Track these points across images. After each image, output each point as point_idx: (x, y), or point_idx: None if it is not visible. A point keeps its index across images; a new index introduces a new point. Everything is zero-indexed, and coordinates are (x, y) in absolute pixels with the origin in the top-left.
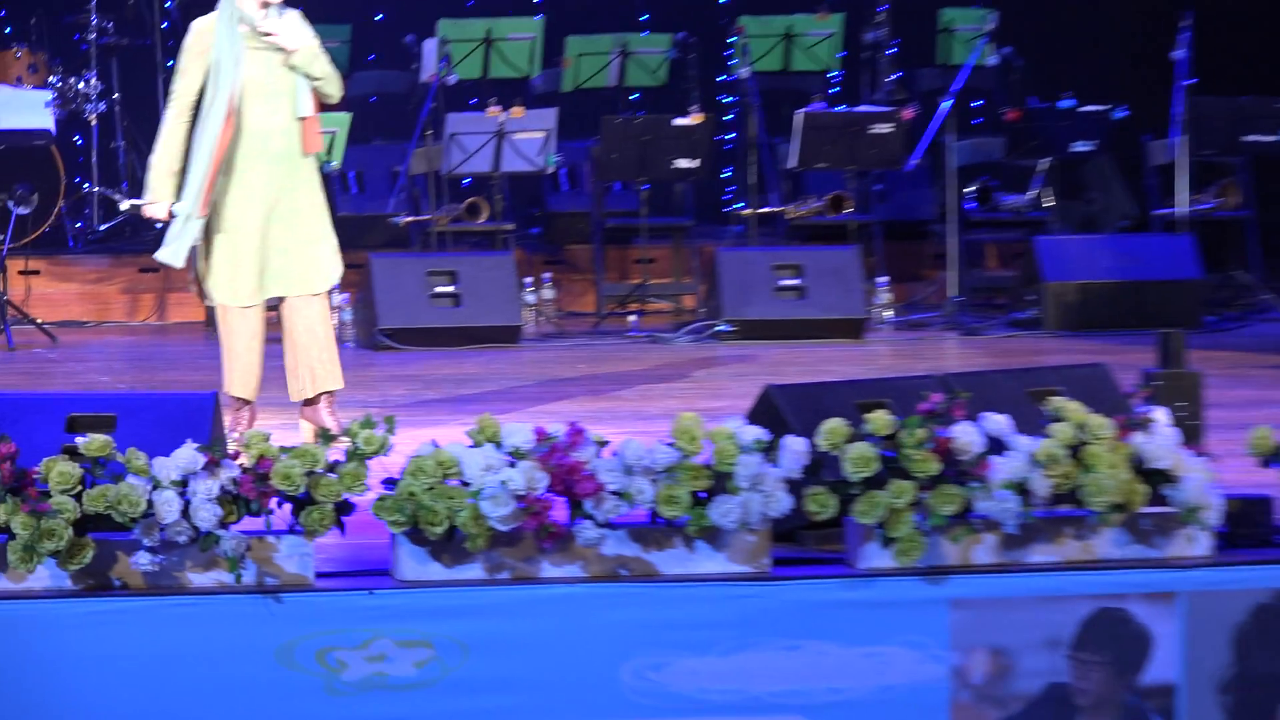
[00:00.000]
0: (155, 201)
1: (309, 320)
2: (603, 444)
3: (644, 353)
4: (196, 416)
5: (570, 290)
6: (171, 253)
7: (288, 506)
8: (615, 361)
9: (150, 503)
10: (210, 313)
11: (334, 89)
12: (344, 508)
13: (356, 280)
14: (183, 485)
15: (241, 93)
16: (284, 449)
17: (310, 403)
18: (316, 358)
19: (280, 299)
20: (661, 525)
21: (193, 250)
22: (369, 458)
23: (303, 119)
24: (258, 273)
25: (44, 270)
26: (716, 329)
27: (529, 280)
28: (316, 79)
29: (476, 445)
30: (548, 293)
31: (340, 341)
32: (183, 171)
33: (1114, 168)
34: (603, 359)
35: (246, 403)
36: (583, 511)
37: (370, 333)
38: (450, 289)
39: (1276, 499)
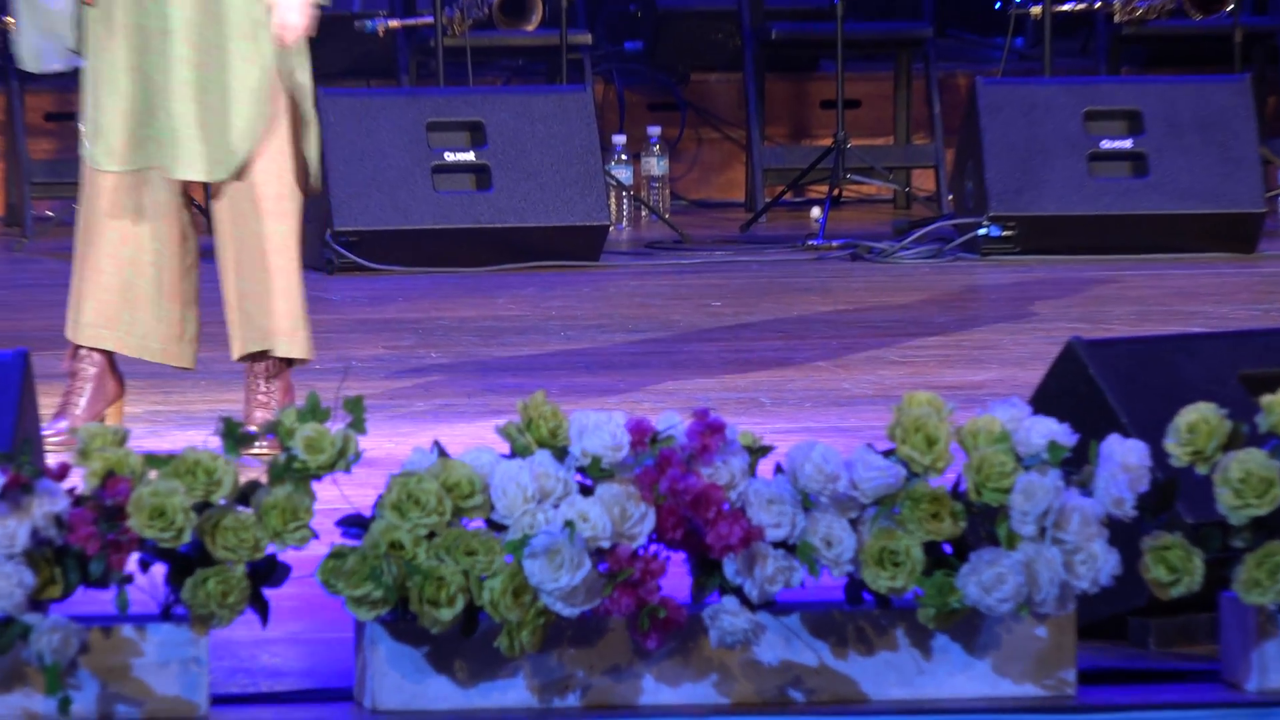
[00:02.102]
0: None
1: (253, 231)
2: (759, 451)
3: (837, 278)
4: None
5: (700, 159)
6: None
7: (161, 569)
8: (781, 296)
9: None
10: (14, 207)
11: None
12: (266, 572)
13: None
14: None
15: None
16: (154, 460)
17: (255, 368)
18: (254, 295)
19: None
20: (870, 607)
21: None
22: (315, 477)
23: None
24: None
25: None
26: (976, 233)
27: (620, 140)
28: None
29: (519, 453)
30: (657, 164)
31: None
32: None
33: None
34: (758, 291)
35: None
36: (721, 580)
37: (318, 239)
38: (469, 156)
39: None
